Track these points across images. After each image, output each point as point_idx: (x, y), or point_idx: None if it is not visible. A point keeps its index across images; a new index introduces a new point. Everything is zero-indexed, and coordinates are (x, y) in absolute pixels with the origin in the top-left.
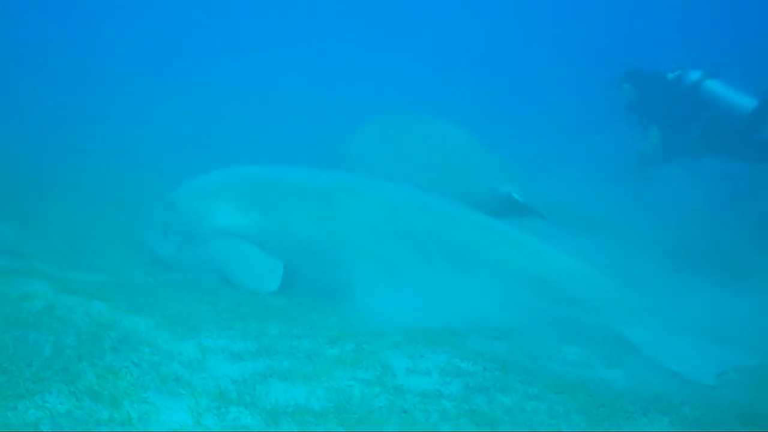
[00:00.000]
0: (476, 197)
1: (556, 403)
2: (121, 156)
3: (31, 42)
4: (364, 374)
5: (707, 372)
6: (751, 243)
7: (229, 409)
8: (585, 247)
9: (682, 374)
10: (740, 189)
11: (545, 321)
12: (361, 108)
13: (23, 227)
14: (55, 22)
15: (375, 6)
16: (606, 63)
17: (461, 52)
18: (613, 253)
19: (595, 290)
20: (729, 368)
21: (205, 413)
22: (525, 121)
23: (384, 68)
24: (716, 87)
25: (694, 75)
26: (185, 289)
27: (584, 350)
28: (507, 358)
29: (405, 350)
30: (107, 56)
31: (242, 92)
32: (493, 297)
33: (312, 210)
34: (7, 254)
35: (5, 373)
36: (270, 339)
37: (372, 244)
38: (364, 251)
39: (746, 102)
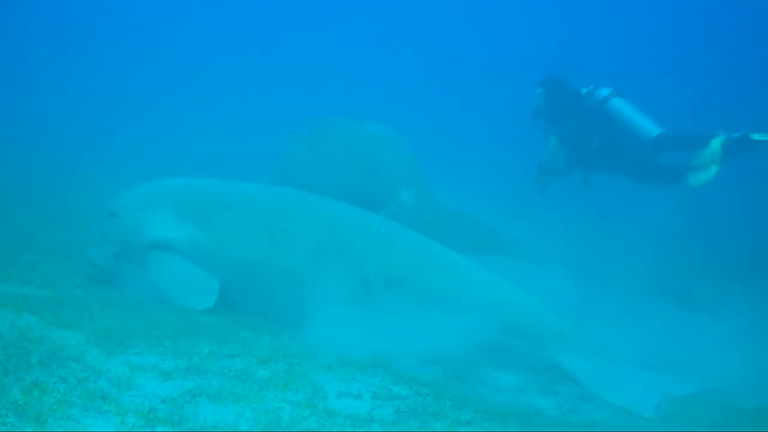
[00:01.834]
0: (376, 198)
1: (487, 430)
2: (57, 164)
3: None
4: (295, 396)
5: (644, 403)
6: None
7: (155, 429)
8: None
9: (618, 404)
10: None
11: (480, 347)
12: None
13: None
14: None
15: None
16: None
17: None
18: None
19: (532, 317)
20: (666, 398)
21: None
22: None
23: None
24: (621, 106)
25: (605, 91)
26: (117, 304)
27: (517, 377)
28: (440, 382)
29: (337, 372)
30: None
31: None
32: (428, 322)
33: (250, 227)
34: None
35: None
36: (201, 358)
37: (308, 266)
38: (300, 273)
39: (646, 125)
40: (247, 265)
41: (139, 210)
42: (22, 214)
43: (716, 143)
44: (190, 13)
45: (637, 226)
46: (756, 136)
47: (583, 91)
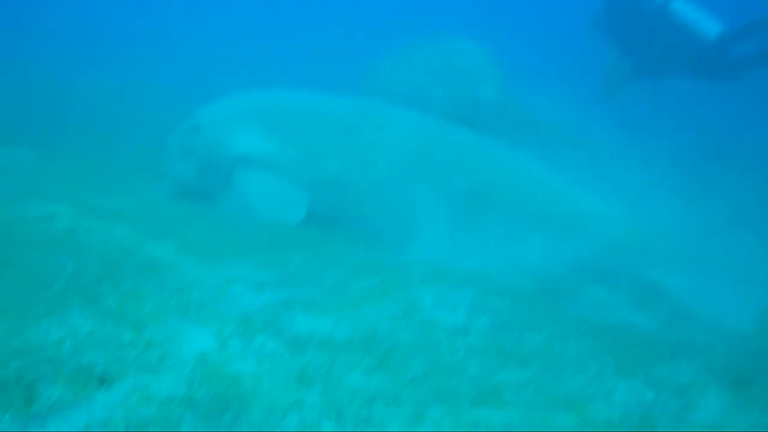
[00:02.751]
0: (456, 98)
1: (585, 344)
2: (134, 89)
3: None
4: (391, 308)
5: (741, 317)
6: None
7: (254, 336)
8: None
9: (713, 320)
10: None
11: (572, 263)
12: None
13: (44, 153)
14: None
15: None
16: None
17: None
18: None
19: (625, 232)
20: (764, 310)
21: (229, 339)
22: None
23: None
24: (681, 7)
25: None
26: (205, 218)
27: (611, 293)
28: (534, 296)
29: (432, 285)
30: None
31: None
32: (519, 237)
33: (336, 141)
34: (28, 178)
35: (27, 291)
36: (294, 269)
37: (396, 180)
38: (388, 188)
39: (711, 26)
40: (333, 180)
41: (224, 124)
42: (101, 134)
43: None
44: None
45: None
46: None
47: None
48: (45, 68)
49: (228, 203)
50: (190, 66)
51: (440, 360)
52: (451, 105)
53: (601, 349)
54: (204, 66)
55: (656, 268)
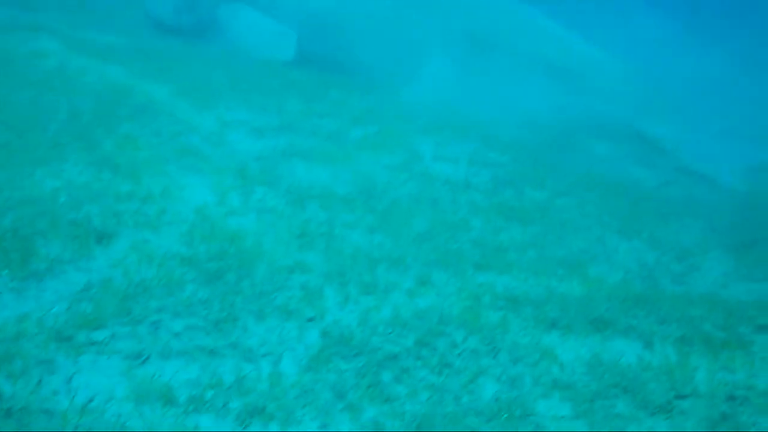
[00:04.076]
0: None
1: (587, 201)
2: None
3: None
4: (390, 158)
5: (737, 172)
6: None
7: (253, 189)
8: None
9: (712, 176)
10: None
11: (573, 111)
12: None
13: None
14: None
15: None
16: None
17: None
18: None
19: (624, 83)
20: (759, 166)
21: (229, 192)
22: None
23: None
24: None
25: None
26: (198, 58)
27: (615, 146)
28: (537, 149)
29: (432, 136)
30: None
31: None
32: (519, 85)
33: None
34: (15, 6)
35: (20, 136)
36: (291, 116)
37: (392, 19)
38: (384, 26)
39: None
40: (325, 14)
41: None
42: None
43: None
44: None
45: None
46: None
47: None
48: None
49: (217, 42)
50: None
51: (442, 218)
52: None
53: (604, 207)
54: None
55: (656, 121)
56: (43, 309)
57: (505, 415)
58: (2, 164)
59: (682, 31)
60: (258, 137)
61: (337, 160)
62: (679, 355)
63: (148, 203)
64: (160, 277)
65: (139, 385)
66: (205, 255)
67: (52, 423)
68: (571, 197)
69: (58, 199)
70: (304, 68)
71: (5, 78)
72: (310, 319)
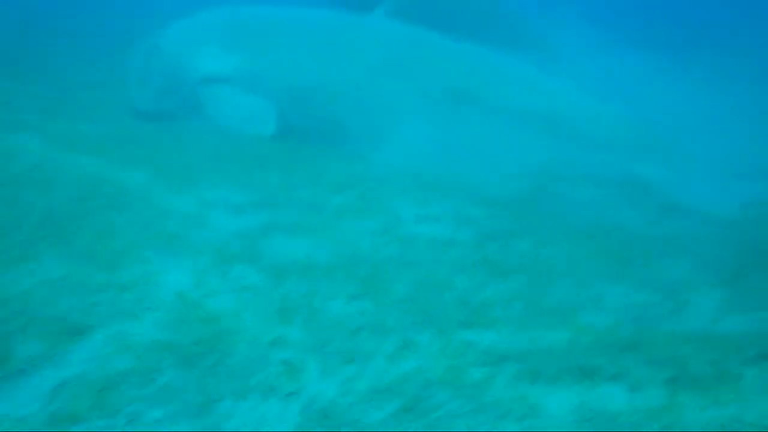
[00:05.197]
0: None
1: (573, 248)
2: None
3: None
4: (371, 224)
5: (730, 206)
6: None
7: (232, 267)
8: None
9: (701, 211)
10: None
11: (556, 161)
12: None
13: (9, 77)
14: None
15: None
16: None
17: None
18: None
19: (606, 127)
20: (751, 202)
21: (207, 273)
22: None
23: None
24: None
25: None
26: (177, 139)
27: (599, 191)
28: (519, 200)
29: (413, 196)
30: None
31: None
32: (500, 138)
33: (303, 50)
34: None
35: None
36: (272, 189)
37: (370, 85)
38: (362, 93)
39: None
40: (305, 89)
41: (186, 44)
42: (64, 51)
43: None
44: None
45: None
46: None
47: None
48: None
49: (198, 123)
50: None
51: (425, 279)
52: None
53: (590, 252)
54: None
55: (643, 162)
56: (19, 409)
57: None
58: None
59: (661, 67)
60: (237, 214)
61: (317, 230)
62: (668, 396)
63: (124, 292)
64: (137, 366)
65: None
66: (183, 340)
67: None
68: (556, 246)
69: (34, 296)
70: (284, 140)
71: None
72: (291, 394)
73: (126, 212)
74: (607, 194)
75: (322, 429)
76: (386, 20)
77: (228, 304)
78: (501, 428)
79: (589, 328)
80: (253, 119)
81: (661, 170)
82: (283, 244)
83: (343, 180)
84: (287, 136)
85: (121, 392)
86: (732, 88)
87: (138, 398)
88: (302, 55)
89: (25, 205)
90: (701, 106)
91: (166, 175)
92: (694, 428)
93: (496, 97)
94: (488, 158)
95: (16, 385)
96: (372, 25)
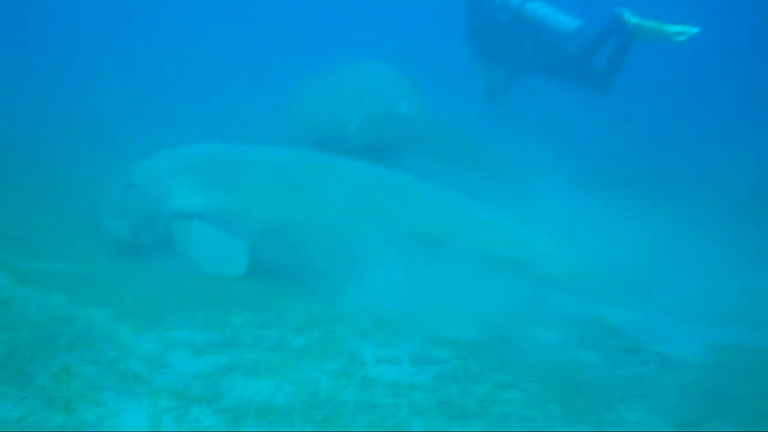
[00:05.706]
0: (374, 117)
1: (532, 392)
2: (75, 132)
3: None
4: (332, 365)
5: (692, 350)
6: None
7: (189, 410)
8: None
9: (664, 354)
10: None
11: (519, 303)
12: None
13: None
14: None
15: None
16: None
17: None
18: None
19: (570, 270)
20: (716, 347)
21: (163, 415)
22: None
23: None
24: (536, 7)
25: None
26: (146, 277)
27: (559, 332)
28: (480, 343)
29: (374, 338)
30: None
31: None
32: (464, 281)
33: (274, 189)
34: None
35: None
36: (234, 329)
37: (337, 226)
38: (329, 234)
39: (565, 21)
40: (275, 228)
41: (158, 179)
42: (35, 182)
43: (627, 15)
44: None
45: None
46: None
47: (496, 2)
48: None
49: (167, 260)
50: (132, 113)
51: (382, 422)
52: (369, 124)
53: (549, 396)
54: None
55: (605, 304)
56: None
57: None
58: None
59: (623, 206)
60: (199, 355)
61: (278, 370)
62: None
63: None
64: None
65: None
66: None
67: None
68: (515, 390)
69: None
70: (252, 279)
71: None
72: None
73: (88, 352)
74: (571, 336)
75: None
76: (360, 162)
77: None
78: None
79: None
80: (224, 258)
81: (623, 312)
82: (244, 386)
83: (306, 320)
84: (255, 274)
85: None
86: (694, 230)
87: None
88: (275, 194)
89: None
90: (664, 247)
91: (132, 314)
92: None
93: (464, 242)
94: (452, 301)
95: None
96: (346, 166)
